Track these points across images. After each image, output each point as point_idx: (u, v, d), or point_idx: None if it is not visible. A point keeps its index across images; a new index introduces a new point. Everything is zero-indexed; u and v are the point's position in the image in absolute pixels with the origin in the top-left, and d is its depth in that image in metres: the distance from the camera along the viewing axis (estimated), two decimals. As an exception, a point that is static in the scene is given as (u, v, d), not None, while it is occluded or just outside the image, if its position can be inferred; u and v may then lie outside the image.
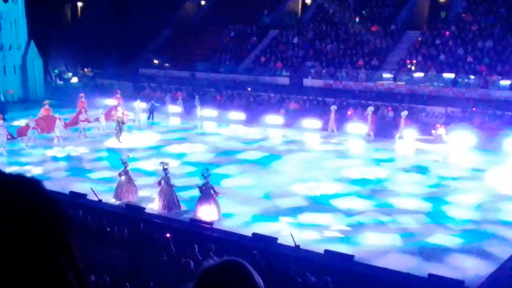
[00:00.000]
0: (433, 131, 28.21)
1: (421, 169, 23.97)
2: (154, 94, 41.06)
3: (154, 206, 19.41)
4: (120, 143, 29.15)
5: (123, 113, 30.66)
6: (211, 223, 17.31)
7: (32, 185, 1.12)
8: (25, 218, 1.07)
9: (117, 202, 20.12)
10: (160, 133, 31.81)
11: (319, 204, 19.92)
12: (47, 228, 1.09)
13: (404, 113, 29.10)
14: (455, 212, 18.94)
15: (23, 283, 1.05)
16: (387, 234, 17.19)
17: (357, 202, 20.06)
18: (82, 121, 31.52)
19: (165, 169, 19.54)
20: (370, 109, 30.11)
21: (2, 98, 30.90)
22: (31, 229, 1.07)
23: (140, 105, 34.92)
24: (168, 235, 15.32)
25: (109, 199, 20.35)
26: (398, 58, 38.58)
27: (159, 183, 19.40)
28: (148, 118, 34.75)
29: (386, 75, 37.54)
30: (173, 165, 23.54)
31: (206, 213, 18.15)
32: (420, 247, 16.23)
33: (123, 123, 30.05)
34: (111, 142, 29.57)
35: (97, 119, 32.66)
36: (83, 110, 32.85)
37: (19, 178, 1.12)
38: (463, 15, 39.29)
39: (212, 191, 18.39)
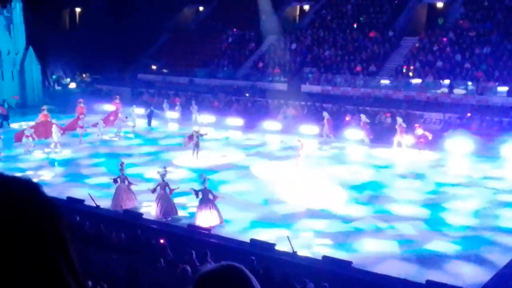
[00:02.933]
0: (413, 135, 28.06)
1: (419, 176, 23.99)
2: (152, 99, 41.07)
3: (152, 211, 19.37)
4: (197, 160, 26.52)
5: (202, 130, 27.94)
6: (209, 229, 17.28)
7: (30, 186, 1.13)
8: (23, 218, 1.07)
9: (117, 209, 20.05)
10: (242, 149, 29.40)
11: (317, 210, 19.90)
12: (45, 228, 1.09)
13: (399, 120, 29.14)
14: (453, 219, 18.94)
15: (21, 282, 1.05)
16: (385, 240, 17.18)
17: (355, 208, 20.05)
18: (80, 126, 31.49)
19: (162, 175, 19.56)
20: (326, 114, 30.76)
21: (6, 105, 30.59)
22: (29, 229, 1.07)
23: (136, 110, 34.90)
24: (162, 241, 15.28)
25: (107, 204, 20.30)
26: (395, 64, 38.65)
27: (154, 190, 19.33)
28: (149, 124, 34.65)
29: (384, 81, 37.61)
30: (170, 170, 23.53)
31: (207, 218, 18.14)
32: (418, 254, 16.22)
33: (201, 135, 27.23)
34: (186, 159, 26.56)
35: (95, 125, 32.53)
36: (81, 116, 32.87)
37: (17, 179, 1.12)
38: (461, 21, 39.38)
39: (210, 196, 18.36)
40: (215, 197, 18.46)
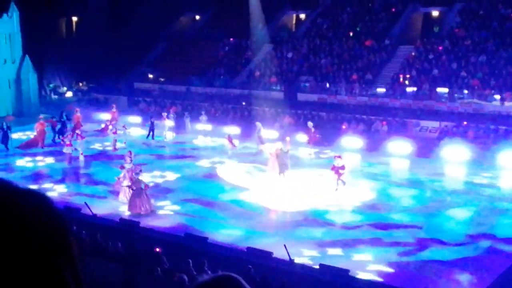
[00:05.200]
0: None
1: (416, 183, 24.01)
2: (149, 108, 41.01)
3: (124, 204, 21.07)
4: (284, 178, 24.05)
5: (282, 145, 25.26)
6: (206, 237, 17.26)
7: (40, 198, 1.14)
8: (32, 229, 1.08)
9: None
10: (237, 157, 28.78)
11: (314, 218, 19.90)
12: (53, 241, 1.11)
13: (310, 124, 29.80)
14: (450, 226, 18.96)
15: (24, 284, 1.06)
16: (382, 248, 17.17)
17: (352, 216, 20.06)
18: (113, 132, 31.43)
19: (137, 174, 20.91)
20: (310, 124, 30.43)
21: (5, 126, 30.05)
22: (36, 241, 1.08)
23: (167, 123, 34.34)
24: (158, 249, 15.25)
25: (106, 211, 20.31)
26: (392, 73, 38.77)
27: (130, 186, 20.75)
28: (148, 136, 33.96)
29: (380, 89, 37.71)
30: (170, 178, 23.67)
31: (138, 206, 20.21)
32: (416, 262, 16.21)
33: (286, 152, 24.76)
34: (275, 180, 23.81)
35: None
36: (113, 122, 32.95)
37: (27, 191, 1.14)
38: (456, 30, 39.56)
39: (142, 185, 20.26)
40: (146, 186, 20.43)
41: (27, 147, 30.67)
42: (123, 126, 32.43)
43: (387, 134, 31.55)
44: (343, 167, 22.80)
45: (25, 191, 1.12)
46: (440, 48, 38.53)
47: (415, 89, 36.42)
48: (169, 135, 33.63)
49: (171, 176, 25.59)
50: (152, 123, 33.83)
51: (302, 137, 29.92)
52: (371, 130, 33.06)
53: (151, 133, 33.73)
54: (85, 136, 30.71)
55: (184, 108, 39.39)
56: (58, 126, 33.37)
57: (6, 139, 29.36)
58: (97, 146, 31.93)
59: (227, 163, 27.77)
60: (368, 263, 16.09)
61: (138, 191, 20.45)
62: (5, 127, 29.63)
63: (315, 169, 26.37)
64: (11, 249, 1.04)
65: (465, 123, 31.51)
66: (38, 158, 29.36)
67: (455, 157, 27.10)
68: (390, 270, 15.67)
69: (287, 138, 26.51)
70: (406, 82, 37.55)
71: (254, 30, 45.98)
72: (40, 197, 1.13)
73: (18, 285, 1.04)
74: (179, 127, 34.92)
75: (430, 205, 21.19)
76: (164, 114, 34.93)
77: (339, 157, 23.30)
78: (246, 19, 46.22)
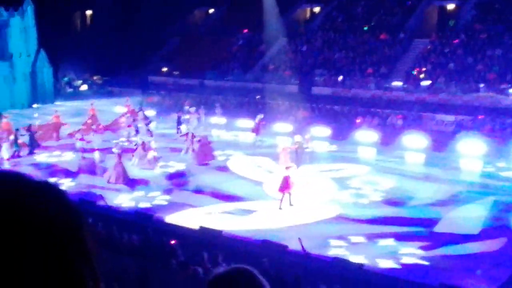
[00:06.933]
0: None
1: (431, 177, 23.85)
2: (163, 101, 41.09)
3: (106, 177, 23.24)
4: (297, 170, 22.78)
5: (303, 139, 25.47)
6: (220, 230, 17.25)
7: (55, 191, 1.13)
8: (46, 221, 1.07)
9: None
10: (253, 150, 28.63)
11: (329, 212, 19.82)
12: (68, 234, 1.10)
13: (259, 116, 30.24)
14: (467, 221, 18.81)
15: (43, 284, 1.05)
16: (398, 242, 17.08)
17: (367, 210, 19.96)
18: (128, 125, 31.62)
19: (120, 147, 24.12)
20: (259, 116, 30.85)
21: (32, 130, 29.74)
22: (51, 233, 1.07)
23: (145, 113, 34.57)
24: (173, 242, 15.29)
25: (121, 204, 20.42)
26: (407, 66, 38.54)
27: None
28: (178, 131, 32.78)
29: (395, 83, 37.50)
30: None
31: (113, 176, 22.90)
32: (431, 256, 16.11)
33: (303, 148, 24.96)
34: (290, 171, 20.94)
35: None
36: (127, 115, 33.07)
37: (42, 183, 1.13)
38: (472, 23, 39.20)
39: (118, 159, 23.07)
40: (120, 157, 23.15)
41: (42, 140, 30.73)
42: (134, 120, 32.48)
43: (402, 128, 31.36)
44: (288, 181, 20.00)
45: (38, 183, 1.12)
46: (456, 41, 38.22)
47: (430, 82, 36.16)
48: (184, 129, 33.60)
49: (181, 167, 25.74)
50: (179, 118, 33.64)
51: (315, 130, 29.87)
52: (386, 124, 32.88)
53: (179, 127, 33.39)
54: (101, 130, 30.84)
55: (198, 102, 39.37)
56: None
57: (32, 142, 29.32)
58: (112, 140, 31.99)
59: (239, 156, 27.72)
60: (383, 257, 16.01)
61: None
62: (33, 131, 29.61)
63: (332, 164, 26.28)
64: (25, 242, 1.03)
65: (481, 116, 31.24)
66: (53, 151, 29.48)
67: (471, 151, 26.90)
68: (405, 264, 15.59)
69: (307, 135, 26.47)
70: (421, 76, 37.28)
71: (268, 23, 45.88)
72: (54, 190, 1.13)
73: (33, 279, 1.03)
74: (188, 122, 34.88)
75: (446, 200, 21.04)
76: (192, 109, 34.79)
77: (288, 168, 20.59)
78: (260, 13, 46.13)
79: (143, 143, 25.61)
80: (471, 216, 19.33)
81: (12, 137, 28.02)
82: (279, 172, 21.70)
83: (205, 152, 26.14)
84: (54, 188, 1.13)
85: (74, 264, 1.08)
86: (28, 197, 1.08)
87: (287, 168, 20.48)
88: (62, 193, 1.13)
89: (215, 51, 47.35)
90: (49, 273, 1.04)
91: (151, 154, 24.99)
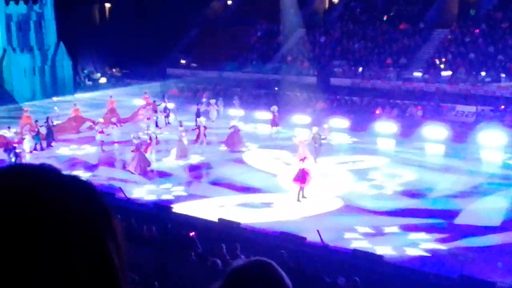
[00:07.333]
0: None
1: (452, 169, 23.63)
2: (180, 93, 41.14)
3: (130, 168, 23.66)
4: (316, 163, 23.43)
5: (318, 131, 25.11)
6: (238, 222, 17.25)
7: (87, 186, 1.16)
8: (80, 216, 1.10)
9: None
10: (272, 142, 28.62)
11: (348, 203, 19.75)
12: (101, 227, 1.13)
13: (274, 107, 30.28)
14: (487, 212, 18.62)
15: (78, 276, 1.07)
16: (417, 233, 16.96)
17: (386, 202, 19.84)
18: (147, 118, 31.83)
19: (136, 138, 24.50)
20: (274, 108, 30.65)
21: (51, 122, 29.74)
22: (83, 228, 1.10)
23: (168, 104, 34.67)
24: (192, 233, 15.31)
25: (140, 196, 20.53)
26: (427, 57, 38.18)
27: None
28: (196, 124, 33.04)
29: (415, 73, 37.18)
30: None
31: (132, 165, 23.57)
32: (451, 248, 15.98)
33: (323, 138, 24.89)
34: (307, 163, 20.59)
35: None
36: (148, 106, 33.26)
37: (74, 178, 1.16)
38: (493, 12, 38.69)
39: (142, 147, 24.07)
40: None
41: (62, 133, 30.93)
42: (155, 112, 32.56)
43: (422, 119, 31.11)
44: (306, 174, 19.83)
45: (71, 178, 1.15)
46: (477, 31, 37.75)
47: (450, 73, 35.78)
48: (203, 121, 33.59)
49: (197, 159, 25.84)
50: (198, 110, 33.55)
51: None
52: (406, 115, 32.65)
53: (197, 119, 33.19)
54: (121, 124, 30.91)
55: (216, 94, 39.36)
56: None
57: (50, 134, 29.55)
58: (131, 132, 32.07)
59: (257, 149, 27.69)
60: (403, 249, 15.92)
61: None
62: (51, 123, 29.81)
63: (351, 155, 26.16)
64: (61, 236, 1.06)
65: (502, 107, 30.88)
66: (73, 144, 29.68)
67: (492, 142, 26.61)
68: (425, 255, 15.49)
69: (325, 125, 26.37)
70: (442, 66, 36.91)
71: (286, 14, 45.69)
72: (85, 184, 1.16)
73: (67, 271, 1.05)
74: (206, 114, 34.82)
75: (466, 191, 20.84)
76: (213, 101, 34.79)
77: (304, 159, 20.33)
78: (278, 4, 45.95)
79: (156, 137, 26.28)
80: (492, 207, 19.13)
81: (32, 129, 28.29)
82: (295, 164, 21.63)
83: (235, 140, 27.30)
84: (85, 182, 1.17)
85: (107, 254, 1.11)
86: (62, 191, 1.10)
87: (301, 160, 20.39)
88: (93, 187, 1.17)
89: (233, 43, 47.29)
90: (82, 264, 1.07)
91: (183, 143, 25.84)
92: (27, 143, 26.80)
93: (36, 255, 1.03)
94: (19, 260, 1.02)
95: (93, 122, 30.59)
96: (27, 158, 25.63)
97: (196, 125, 29.13)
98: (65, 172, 1.16)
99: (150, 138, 25.69)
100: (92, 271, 1.08)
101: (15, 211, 1.04)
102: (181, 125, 26.62)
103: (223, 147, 27.81)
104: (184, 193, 21.21)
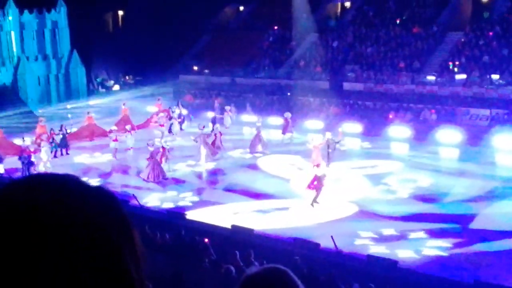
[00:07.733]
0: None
1: (466, 173, 23.45)
2: (194, 100, 41.19)
3: (143, 175, 23.75)
4: (328, 168, 22.63)
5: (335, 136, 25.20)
6: (251, 229, 17.22)
7: (107, 195, 1.18)
8: (101, 227, 1.12)
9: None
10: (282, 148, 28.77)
11: (362, 209, 19.65)
12: (120, 239, 1.14)
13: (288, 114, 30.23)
14: (502, 216, 18.45)
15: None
16: (432, 238, 16.84)
17: (401, 207, 19.72)
18: (161, 125, 32.00)
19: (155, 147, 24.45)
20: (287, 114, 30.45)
21: (65, 130, 29.75)
22: (103, 239, 1.11)
23: (182, 110, 34.72)
24: (206, 240, 15.30)
25: (152, 203, 20.56)
26: (440, 60, 37.96)
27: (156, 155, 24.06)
28: (212, 131, 30.49)
29: (429, 77, 36.97)
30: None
31: (145, 172, 23.72)
32: (466, 252, 15.85)
33: (336, 143, 24.99)
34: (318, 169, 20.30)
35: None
36: (161, 114, 33.43)
37: (95, 188, 1.18)
38: (507, 15, 38.41)
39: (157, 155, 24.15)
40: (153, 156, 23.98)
41: (75, 140, 31.08)
42: (170, 119, 32.59)
43: (436, 123, 30.92)
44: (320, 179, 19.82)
45: (93, 188, 1.17)
46: (491, 33, 37.49)
47: (464, 76, 35.54)
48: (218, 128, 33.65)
49: (211, 165, 25.84)
50: (215, 117, 33.49)
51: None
52: (420, 119, 32.47)
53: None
54: (134, 130, 30.87)
55: (229, 100, 39.32)
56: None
57: (65, 142, 29.66)
58: (145, 140, 32.12)
59: (270, 155, 27.65)
60: (417, 254, 15.81)
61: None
62: (65, 131, 29.97)
63: (365, 160, 26.06)
64: (81, 245, 1.07)
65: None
66: (87, 152, 29.79)
67: (507, 145, 26.39)
68: (440, 261, 15.37)
69: (340, 129, 26.29)
70: (455, 69, 36.67)
71: (298, 19, 45.67)
72: (107, 194, 1.18)
73: (87, 278, 1.07)
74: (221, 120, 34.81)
75: (481, 196, 20.67)
76: (228, 107, 34.74)
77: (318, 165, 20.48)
78: (290, 9, 45.94)
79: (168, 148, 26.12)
80: (507, 212, 18.95)
81: (48, 138, 28.47)
82: (309, 170, 21.57)
83: (256, 143, 28.11)
84: (106, 191, 1.18)
85: (124, 264, 1.12)
86: (84, 200, 1.13)
87: (315, 165, 20.34)
88: (114, 197, 1.19)
89: (245, 48, 47.30)
90: (101, 273, 1.09)
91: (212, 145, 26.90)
92: (44, 153, 26.90)
93: (41, 256, 1.05)
94: (30, 262, 1.04)
95: (109, 131, 30.45)
96: (41, 167, 25.75)
97: (212, 131, 29.14)
98: (85, 181, 1.19)
99: (163, 148, 25.61)
100: (104, 277, 1.09)
101: (34, 218, 1.07)
102: (202, 128, 26.82)
103: (236, 153, 27.83)
104: (198, 200, 21.23)
